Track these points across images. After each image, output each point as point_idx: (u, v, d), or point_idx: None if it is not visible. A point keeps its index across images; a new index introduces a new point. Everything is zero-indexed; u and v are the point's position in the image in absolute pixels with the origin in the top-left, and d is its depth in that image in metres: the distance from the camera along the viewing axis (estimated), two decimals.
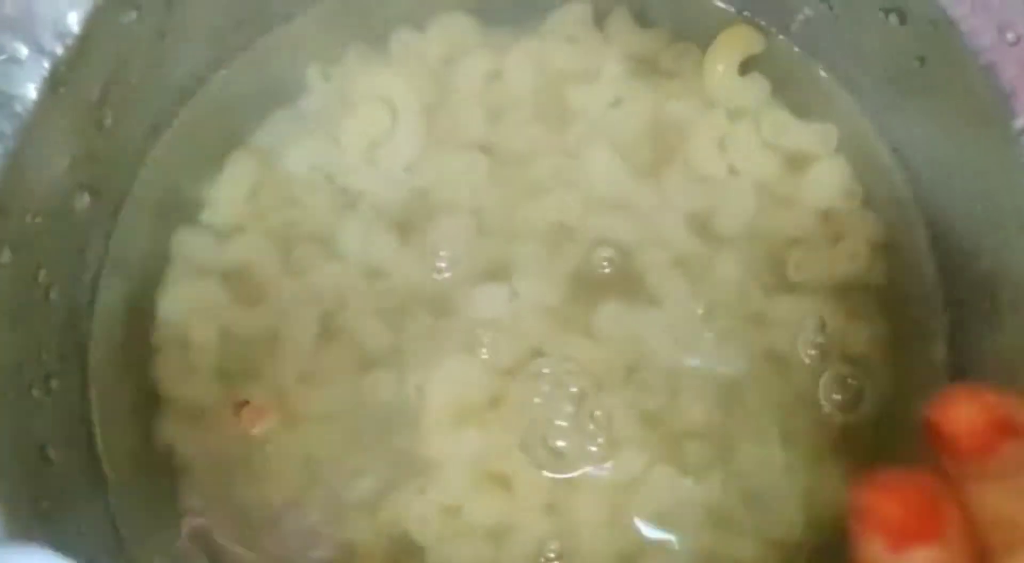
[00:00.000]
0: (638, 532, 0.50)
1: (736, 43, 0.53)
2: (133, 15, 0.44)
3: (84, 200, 0.48)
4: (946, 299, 0.49)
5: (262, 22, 0.54)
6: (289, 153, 0.55)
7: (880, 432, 0.50)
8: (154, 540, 0.50)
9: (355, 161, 0.55)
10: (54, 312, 0.46)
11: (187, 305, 0.53)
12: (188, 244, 0.54)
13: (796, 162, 0.53)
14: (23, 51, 0.41)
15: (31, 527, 0.40)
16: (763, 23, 0.53)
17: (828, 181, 0.52)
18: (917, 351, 0.50)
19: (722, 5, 0.54)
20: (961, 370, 0.48)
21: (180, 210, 0.54)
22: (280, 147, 0.55)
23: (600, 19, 0.56)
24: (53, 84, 0.41)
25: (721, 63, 0.53)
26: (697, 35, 0.55)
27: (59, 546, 0.40)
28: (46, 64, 0.40)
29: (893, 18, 0.46)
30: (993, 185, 0.44)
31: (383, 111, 0.55)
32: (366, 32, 0.56)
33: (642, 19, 0.55)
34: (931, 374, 0.50)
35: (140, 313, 0.53)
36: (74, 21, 0.40)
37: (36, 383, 0.45)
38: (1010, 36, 0.39)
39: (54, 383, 0.46)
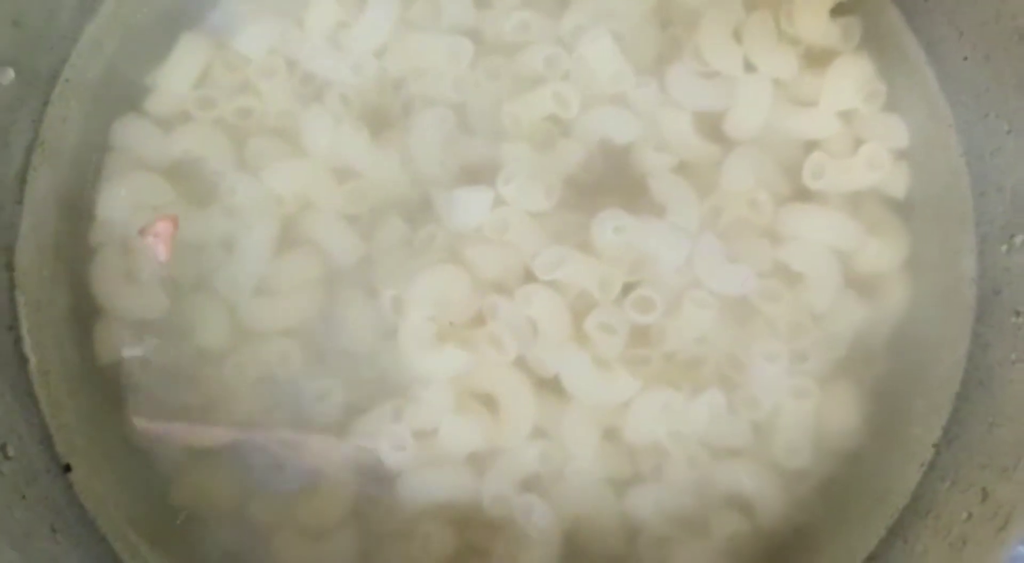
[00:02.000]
0: (631, 457, 0.46)
1: None
2: None
3: (7, 75, 0.41)
4: (978, 210, 0.45)
5: None
6: (245, 33, 0.49)
7: (896, 354, 0.47)
8: (99, 461, 0.44)
9: (320, 44, 0.49)
10: None
11: (129, 203, 0.47)
12: (130, 134, 0.48)
13: (816, 58, 0.48)
14: None
15: None
16: None
17: (850, 79, 0.47)
18: (942, 267, 0.46)
19: None
20: (994, 283, 0.44)
21: (121, 96, 0.48)
22: (235, 26, 0.49)
23: None
24: None
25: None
26: None
27: None
28: None
29: None
30: None
31: None
32: None
33: None
34: (957, 292, 0.46)
35: (76, 210, 0.47)
36: None
37: None
38: None
39: None
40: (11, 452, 0.38)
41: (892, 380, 0.46)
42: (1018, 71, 0.41)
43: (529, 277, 0.46)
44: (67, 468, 0.43)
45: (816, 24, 0.47)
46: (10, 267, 0.43)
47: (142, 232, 0.47)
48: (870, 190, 0.47)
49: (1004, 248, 0.43)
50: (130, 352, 0.47)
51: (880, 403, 0.46)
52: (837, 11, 0.48)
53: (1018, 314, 0.41)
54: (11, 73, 0.41)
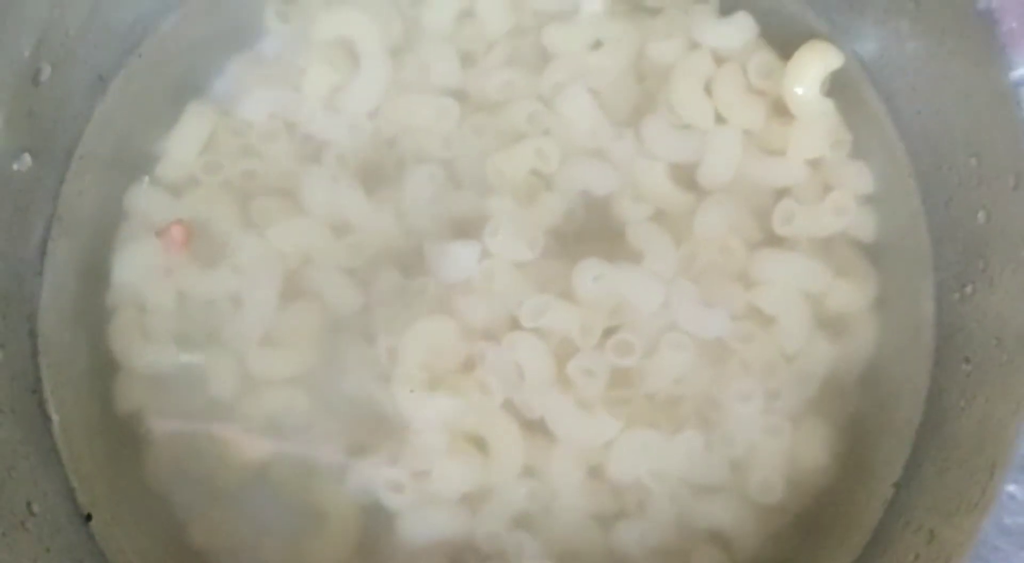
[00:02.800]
0: (614, 494, 0.48)
1: (816, 60, 0.49)
2: None
3: (25, 161, 0.44)
4: (936, 256, 0.47)
5: None
6: (246, 100, 0.52)
7: (864, 393, 0.49)
8: (118, 508, 0.48)
9: (317, 108, 0.52)
10: None
11: (142, 266, 0.50)
12: (141, 201, 0.51)
13: (784, 109, 0.50)
14: None
15: None
16: None
17: (817, 128, 0.49)
18: (905, 310, 0.48)
19: None
20: (948, 329, 0.46)
21: (132, 165, 0.51)
22: (237, 95, 0.52)
23: None
24: None
25: (801, 86, 0.49)
26: None
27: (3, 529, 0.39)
28: None
29: None
30: (987, 138, 0.41)
31: (345, 53, 0.52)
32: None
33: None
34: (918, 333, 0.47)
35: (93, 275, 0.50)
36: None
37: None
38: None
39: (0, 354, 0.44)
40: (36, 509, 0.42)
41: (861, 418, 0.48)
42: (964, 127, 0.43)
43: (515, 324, 0.49)
44: (88, 518, 0.46)
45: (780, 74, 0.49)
46: (33, 334, 0.47)
47: (159, 234, 0.50)
48: (839, 234, 0.49)
49: (956, 296, 0.45)
50: (146, 403, 0.50)
51: (849, 440, 0.48)
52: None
53: (967, 361, 0.43)
54: (28, 159, 0.44)
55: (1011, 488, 0.35)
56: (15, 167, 0.44)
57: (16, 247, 0.45)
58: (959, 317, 0.44)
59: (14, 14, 0.39)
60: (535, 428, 0.48)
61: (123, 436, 0.49)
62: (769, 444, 0.48)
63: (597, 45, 0.51)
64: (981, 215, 0.43)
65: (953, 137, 0.44)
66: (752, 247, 0.49)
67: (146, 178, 0.51)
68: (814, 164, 0.49)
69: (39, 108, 0.44)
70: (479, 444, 0.48)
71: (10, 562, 0.38)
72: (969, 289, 0.43)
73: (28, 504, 0.41)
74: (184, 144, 0.51)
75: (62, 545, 0.43)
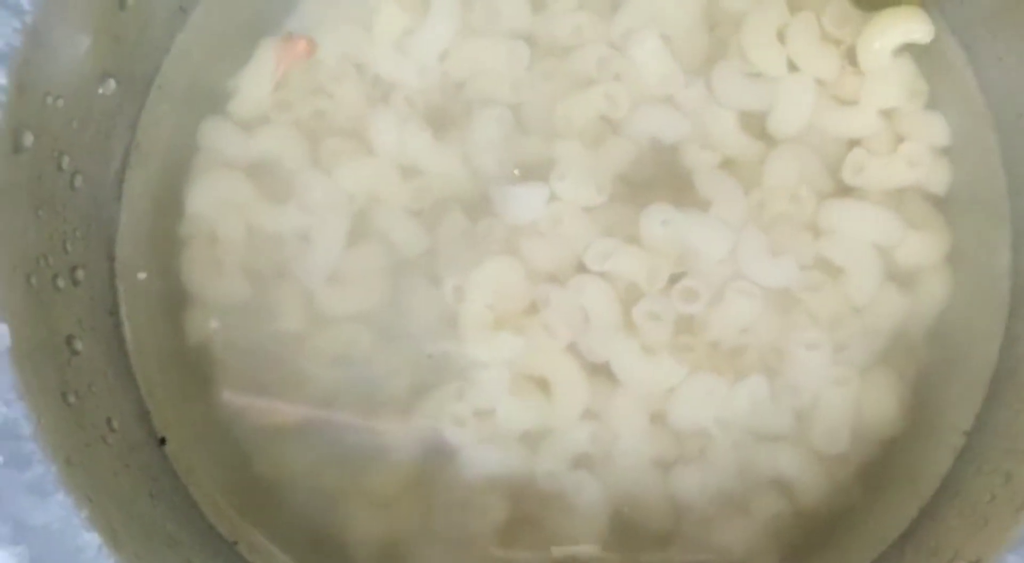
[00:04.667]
0: (676, 439, 0.48)
1: (902, 28, 0.48)
2: None
3: (109, 85, 0.45)
4: (1012, 208, 0.46)
5: None
6: (319, 40, 0.52)
7: (933, 346, 0.48)
8: (189, 434, 0.49)
9: (387, 49, 0.52)
10: (80, 201, 0.44)
11: (214, 199, 0.51)
12: (214, 136, 0.52)
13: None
14: None
15: (60, 419, 0.39)
16: None
17: (892, 79, 0.49)
18: (979, 262, 0.48)
19: None
20: None
21: (207, 99, 0.51)
22: (310, 32, 0.52)
23: None
24: None
25: (878, 41, 0.48)
26: None
27: (87, 441, 0.40)
28: None
29: None
30: None
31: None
32: None
33: None
34: (993, 285, 0.47)
35: (168, 205, 0.51)
36: None
37: (62, 273, 0.43)
38: None
39: (80, 274, 0.45)
40: (115, 425, 0.43)
41: (929, 370, 0.48)
42: None
43: (581, 268, 0.49)
44: (162, 441, 0.47)
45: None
46: (111, 258, 0.48)
47: (283, 39, 0.50)
48: (911, 186, 0.49)
49: None
50: (216, 334, 0.51)
51: (917, 392, 0.48)
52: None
53: None
54: (112, 83, 0.45)
55: None
56: (100, 91, 0.45)
57: (98, 171, 0.46)
58: None
59: None
60: (599, 371, 0.49)
61: (194, 365, 0.50)
62: (835, 394, 0.48)
63: None
64: None
65: None
66: (822, 197, 0.49)
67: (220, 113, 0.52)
68: (888, 114, 0.49)
69: (124, 33, 0.45)
70: (542, 385, 0.49)
71: (93, 473, 0.39)
72: None
73: (108, 420, 0.43)
74: (256, 81, 0.52)
75: (139, 463, 0.44)
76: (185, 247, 0.51)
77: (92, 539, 0.37)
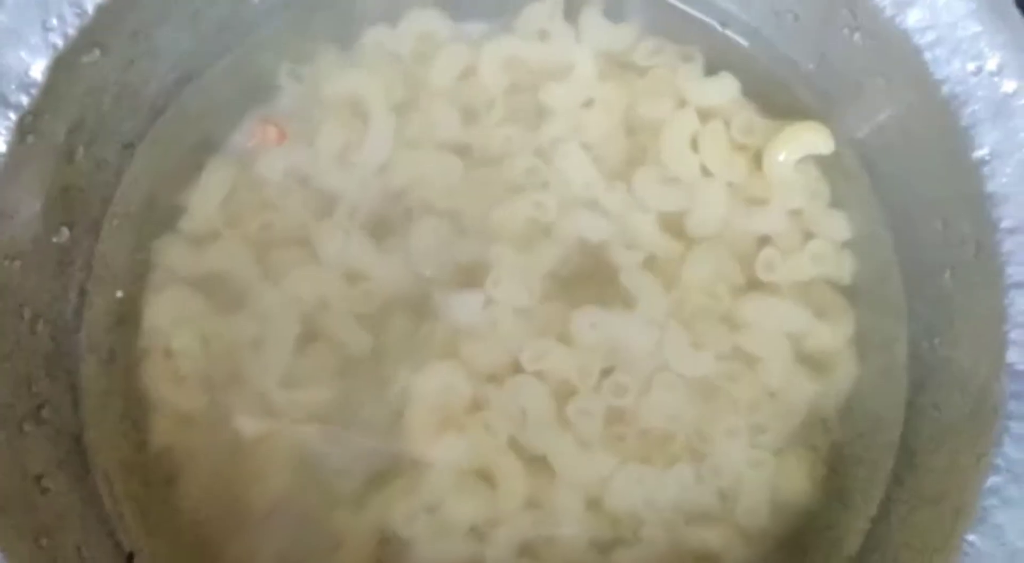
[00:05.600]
0: (612, 523, 0.52)
1: (806, 141, 0.52)
2: (96, 54, 0.44)
3: (63, 235, 0.48)
4: (909, 306, 0.51)
5: (232, 33, 0.53)
6: (263, 157, 0.55)
7: (844, 425, 0.52)
8: (156, 545, 0.52)
9: (329, 163, 0.55)
10: (41, 343, 0.47)
11: (169, 314, 0.54)
12: (167, 253, 0.54)
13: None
14: None
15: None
16: (731, 31, 0.53)
17: (796, 183, 0.53)
18: (880, 350, 0.52)
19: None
20: (920, 375, 0.50)
21: (159, 219, 0.54)
22: (254, 151, 0.56)
23: (572, 14, 0.55)
24: (21, 135, 0.41)
25: (783, 153, 0.53)
26: (669, 30, 0.55)
27: None
28: (13, 116, 0.40)
29: (857, 36, 0.46)
30: (952, 207, 0.45)
31: (355, 111, 0.55)
32: (339, 31, 0.56)
33: (614, 14, 0.55)
34: (892, 375, 0.51)
35: (126, 322, 0.54)
36: (38, 71, 0.40)
37: (28, 417, 0.46)
38: (971, 67, 0.40)
39: (45, 412, 0.47)
40: (84, 554, 0.45)
41: (840, 448, 0.52)
42: (932, 193, 0.47)
43: (517, 368, 0.52)
44: (130, 557, 0.50)
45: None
46: (74, 387, 0.50)
47: (260, 120, 0.54)
48: (819, 277, 0.53)
49: (927, 345, 0.48)
50: (177, 442, 0.54)
51: (830, 469, 0.52)
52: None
53: (936, 408, 0.47)
54: (65, 231, 0.48)
55: (971, 538, 0.39)
56: (54, 240, 0.47)
57: (57, 311, 0.49)
58: (929, 365, 0.48)
59: (52, 112, 0.43)
60: (538, 464, 0.52)
61: (156, 473, 0.53)
62: (754, 475, 0.52)
63: (590, 102, 0.55)
64: (947, 274, 0.46)
65: (922, 200, 0.47)
66: (737, 292, 0.53)
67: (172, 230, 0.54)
68: (795, 213, 0.53)
69: (73, 183, 0.47)
70: (486, 479, 0.52)
71: None
72: (937, 341, 0.47)
73: (78, 549, 0.45)
74: (205, 199, 0.55)
75: None
76: (143, 361, 0.54)
77: None
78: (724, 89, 0.53)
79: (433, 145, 0.55)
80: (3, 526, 0.40)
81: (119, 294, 0.53)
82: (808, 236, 0.53)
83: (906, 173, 0.49)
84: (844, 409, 0.52)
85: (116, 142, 0.50)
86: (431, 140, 0.55)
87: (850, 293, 0.53)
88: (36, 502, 0.44)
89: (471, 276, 0.54)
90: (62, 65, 0.41)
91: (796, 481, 0.52)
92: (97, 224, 0.51)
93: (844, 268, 0.53)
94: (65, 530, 0.45)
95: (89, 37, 0.44)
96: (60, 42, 0.42)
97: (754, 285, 0.53)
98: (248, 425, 0.54)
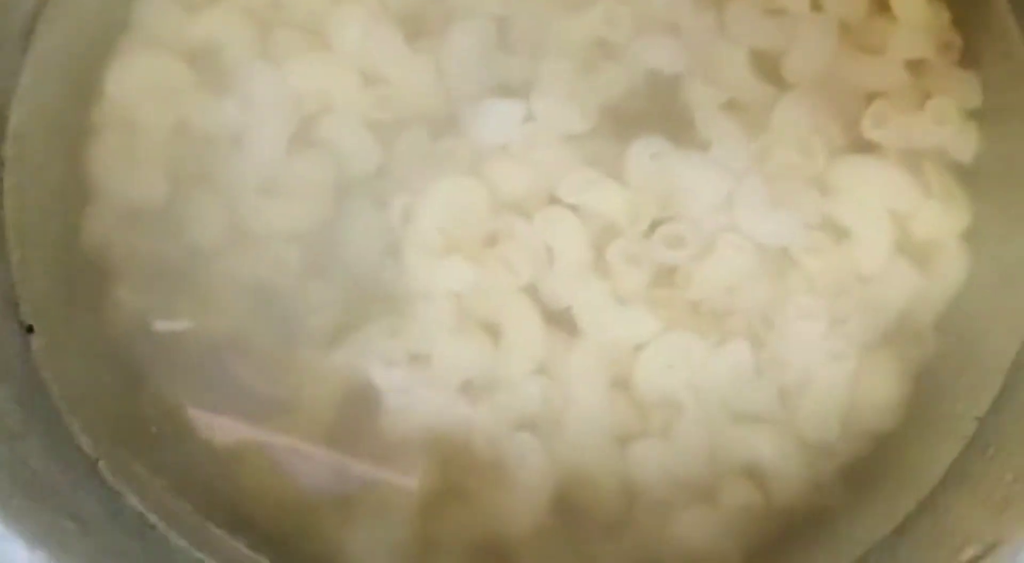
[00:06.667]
0: (640, 410, 0.42)
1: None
2: None
3: None
4: None
5: None
6: None
7: (946, 331, 0.42)
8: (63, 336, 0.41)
9: None
10: None
11: (141, 82, 0.45)
12: (152, 11, 0.45)
13: (887, 3, 0.44)
14: None
15: None
16: None
17: (923, 27, 0.43)
18: (1004, 240, 0.42)
19: None
20: None
21: None
22: None
23: None
24: None
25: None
26: None
27: None
28: None
29: None
30: None
31: None
32: None
33: None
34: (1017, 266, 0.41)
35: (81, 82, 0.44)
36: None
37: None
38: None
39: None
40: None
41: (939, 358, 0.42)
42: None
43: (552, 201, 0.43)
44: (29, 329, 0.40)
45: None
46: (3, 117, 0.41)
47: None
48: (934, 150, 0.43)
49: None
50: (118, 236, 0.44)
51: (922, 382, 0.42)
52: None
53: None
54: None
55: None
56: None
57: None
58: None
59: None
60: (559, 320, 0.42)
61: (84, 267, 0.43)
62: (828, 373, 0.41)
63: None
64: None
65: None
66: (835, 152, 0.43)
67: None
68: (915, 67, 0.44)
69: None
70: (491, 329, 0.42)
71: None
72: None
73: None
74: None
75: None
76: (97, 134, 0.44)
77: None
78: None
79: None
80: None
81: (79, 43, 0.44)
82: (929, 97, 0.43)
83: None
84: (951, 311, 0.42)
85: None
86: None
87: (971, 173, 0.43)
88: None
89: (510, 92, 0.44)
90: None
91: (880, 392, 0.42)
92: None
93: (968, 142, 0.43)
94: None
95: None
96: None
97: (856, 147, 0.43)
98: (207, 233, 0.44)
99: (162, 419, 0.43)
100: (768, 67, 0.44)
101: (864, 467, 0.41)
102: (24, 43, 0.42)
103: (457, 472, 0.42)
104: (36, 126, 0.43)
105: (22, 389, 0.38)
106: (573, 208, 0.42)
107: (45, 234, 0.43)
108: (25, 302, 0.41)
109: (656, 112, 0.44)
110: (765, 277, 0.42)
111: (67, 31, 0.44)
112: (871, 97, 0.44)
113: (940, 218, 0.43)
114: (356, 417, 0.42)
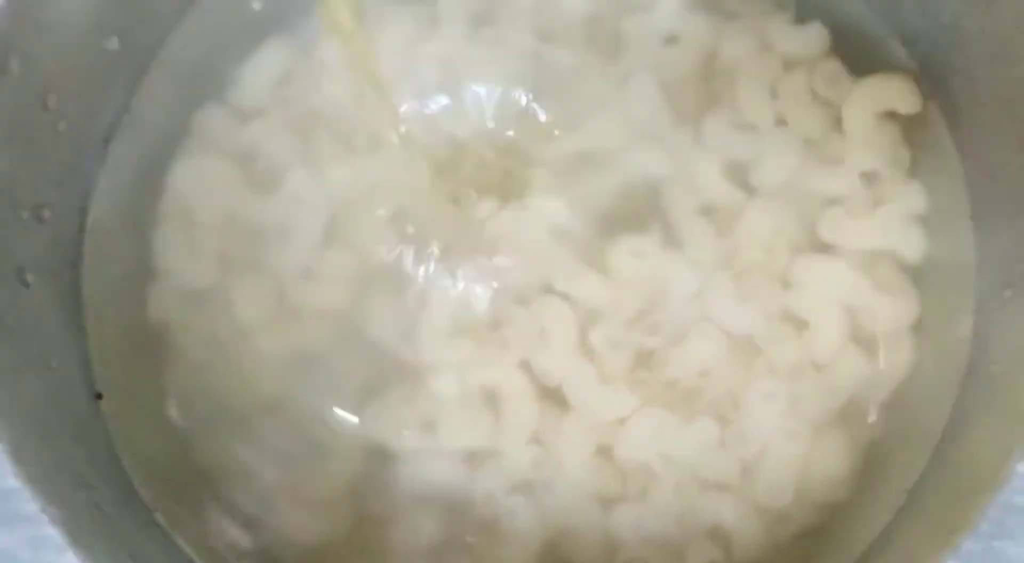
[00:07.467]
0: (620, 476, 0.47)
1: (886, 92, 0.49)
2: None
3: (112, 42, 0.46)
4: (979, 271, 0.46)
5: None
6: (326, 43, 0.53)
7: (889, 410, 0.48)
8: (127, 402, 0.48)
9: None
10: (59, 144, 0.44)
11: (198, 180, 0.51)
12: (210, 119, 0.52)
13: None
14: None
15: None
16: None
17: (875, 143, 0.49)
18: (944, 329, 0.47)
19: None
20: (981, 346, 0.45)
21: (207, 83, 0.52)
22: (319, 37, 0.54)
23: None
24: None
25: (864, 106, 0.49)
26: None
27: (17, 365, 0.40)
28: None
29: None
30: None
31: (425, 13, 0.53)
32: None
33: None
34: (952, 352, 0.47)
35: (150, 179, 0.51)
36: None
37: (26, 207, 0.43)
38: None
39: (46, 214, 0.44)
40: (53, 365, 0.43)
41: (881, 434, 0.47)
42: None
43: (547, 290, 0.49)
44: (99, 396, 0.46)
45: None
46: (83, 211, 0.48)
47: None
48: (885, 251, 0.49)
49: (995, 304, 0.44)
50: (176, 314, 0.51)
51: (868, 457, 0.47)
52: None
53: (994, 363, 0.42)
54: (115, 41, 0.46)
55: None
56: (101, 44, 0.45)
57: (85, 122, 0.46)
58: (996, 325, 0.43)
59: None
60: (551, 396, 0.48)
61: (147, 339, 0.50)
62: (784, 448, 0.47)
63: (672, 39, 0.52)
64: None
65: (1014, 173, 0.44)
66: (796, 251, 0.49)
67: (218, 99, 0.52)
68: (868, 177, 0.49)
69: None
70: (492, 402, 0.48)
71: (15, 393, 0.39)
72: (1008, 293, 0.43)
73: (47, 359, 0.42)
74: (259, 74, 0.53)
75: (70, 406, 0.43)
76: (161, 224, 0.51)
77: None
78: (813, 39, 0.50)
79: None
80: None
81: (150, 146, 0.51)
82: (880, 204, 0.49)
83: (1000, 138, 0.45)
84: (894, 394, 0.47)
85: None
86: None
87: (918, 272, 0.49)
88: (13, 288, 0.41)
89: (513, 196, 0.51)
90: None
91: (830, 464, 0.47)
92: (147, 58, 0.49)
93: (916, 244, 0.49)
94: (38, 334, 0.42)
95: None
96: None
97: (815, 247, 0.49)
98: (255, 313, 0.51)
99: (207, 474, 0.49)
100: (738, 176, 0.50)
101: (818, 534, 0.46)
102: (103, 150, 0.49)
103: (458, 527, 0.48)
104: (110, 219, 0.49)
105: (94, 448, 0.45)
106: (564, 297, 0.49)
107: (116, 312, 0.49)
108: (96, 372, 0.47)
109: (639, 213, 0.50)
110: (732, 362, 0.48)
111: (139, 138, 0.51)
112: (829, 203, 0.49)
113: (890, 312, 0.48)
114: (375, 476, 0.49)
